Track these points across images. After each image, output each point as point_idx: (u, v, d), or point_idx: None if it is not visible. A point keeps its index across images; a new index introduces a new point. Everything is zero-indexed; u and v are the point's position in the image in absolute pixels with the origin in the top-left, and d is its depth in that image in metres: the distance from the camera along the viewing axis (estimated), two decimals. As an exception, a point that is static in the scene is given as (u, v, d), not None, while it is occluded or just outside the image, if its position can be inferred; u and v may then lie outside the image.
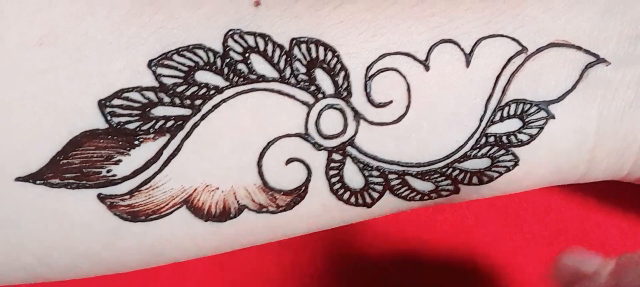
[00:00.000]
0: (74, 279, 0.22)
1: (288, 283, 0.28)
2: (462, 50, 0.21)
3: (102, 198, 0.19)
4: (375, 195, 0.22)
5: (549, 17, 0.21)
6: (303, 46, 0.20)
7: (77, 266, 0.21)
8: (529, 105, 0.21)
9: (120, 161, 0.19)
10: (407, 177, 0.21)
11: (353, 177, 0.21)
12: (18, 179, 0.19)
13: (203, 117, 0.19)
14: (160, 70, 0.19)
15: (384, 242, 0.28)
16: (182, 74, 0.19)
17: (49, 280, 0.22)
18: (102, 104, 0.19)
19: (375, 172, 0.21)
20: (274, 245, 0.26)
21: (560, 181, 0.24)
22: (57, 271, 0.21)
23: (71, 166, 0.19)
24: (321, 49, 0.20)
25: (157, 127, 0.19)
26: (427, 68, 0.20)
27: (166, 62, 0.19)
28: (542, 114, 0.22)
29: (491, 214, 0.30)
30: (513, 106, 0.21)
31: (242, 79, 0.20)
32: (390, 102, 0.20)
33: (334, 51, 0.20)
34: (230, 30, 0.19)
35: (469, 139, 0.21)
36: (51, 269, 0.21)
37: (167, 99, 0.19)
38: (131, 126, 0.19)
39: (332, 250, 0.28)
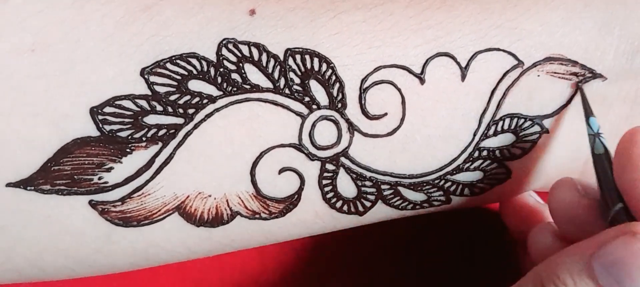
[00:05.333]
0: (69, 279, 0.22)
1: (288, 283, 0.28)
2: (458, 63, 0.20)
3: (93, 204, 0.19)
4: (368, 204, 0.22)
5: (546, 32, 0.21)
6: (298, 57, 0.20)
7: (69, 268, 0.21)
8: (523, 120, 0.21)
9: (111, 168, 0.19)
10: (400, 188, 0.22)
11: (346, 187, 0.21)
12: (9, 184, 0.18)
13: (196, 126, 0.19)
14: (153, 79, 0.19)
15: (385, 242, 0.28)
16: (175, 83, 0.19)
17: (42, 280, 0.22)
18: (94, 112, 0.18)
19: (368, 183, 0.21)
20: (275, 246, 0.26)
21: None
22: (49, 273, 0.21)
23: (62, 172, 0.19)
24: (316, 60, 0.20)
25: (149, 135, 0.19)
26: (422, 81, 0.20)
27: (159, 70, 0.19)
28: (536, 128, 0.22)
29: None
30: (507, 120, 0.21)
31: (235, 89, 0.19)
32: (385, 114, 0.20)
33: (328, 62, 0.20)
34: (224, 39, 0.19)
35: (462, 152, 0.21)
36: (43, 271, 0.21)
37: (159, 108, 0.19)
38: (123, 134, 0.19)
39: (331, 250, 0.28)
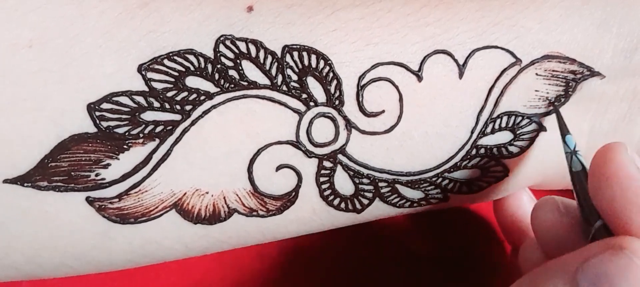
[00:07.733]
0: (68, 277, 0.22)
1: (288, 283, 0.28)
2: (456, 61, 0.20)
3: (90, 201, 0.19)
4: (365, 202, 0.22)
5: (544, 29, 0.21)
6: (295, 53, 0.20)
7: (67, 265, 0.21)
8: (520, 118, 0.21)
9: (109, 165, 0.19)
10: (397, 186, 0.22)
11: (343, 184, 0.21)
12: (6, 181, 0.18)
13: (193, 123, 0.19)
14: (150, 75, 0.19)
15: (384, 245, 0.28)
16: (172, 79, 0.19)
17: (40, 278, 0.22)
18: (92, 108, 0.18)
19: (365, 180, 0.21)
20: (274, 246, 0.26)
21: (547, 187, 0.24)
22: (47, 270, 0.21)
23: (59, 169, 0.19)
24: (313, 56, 0.20)
25: (146, 131, 0.19)
26: (419, 78, 0.20)
27: (156, 66, 0.19)
28: (534, 126, 0.22)
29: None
30: (505, 118, 0.21)
31: (233, 85, 0.19)
32: (382, 111, 0.20)
33: (326, 59, 0.20)
34: (221, 35, 0.19)
35: (460, 150, 0.21)
36: (41, 267, 0.21)
37: (157, 104, 0.19)
38: (120, 130, 0.19)
39: (331, 251, 0.28)
